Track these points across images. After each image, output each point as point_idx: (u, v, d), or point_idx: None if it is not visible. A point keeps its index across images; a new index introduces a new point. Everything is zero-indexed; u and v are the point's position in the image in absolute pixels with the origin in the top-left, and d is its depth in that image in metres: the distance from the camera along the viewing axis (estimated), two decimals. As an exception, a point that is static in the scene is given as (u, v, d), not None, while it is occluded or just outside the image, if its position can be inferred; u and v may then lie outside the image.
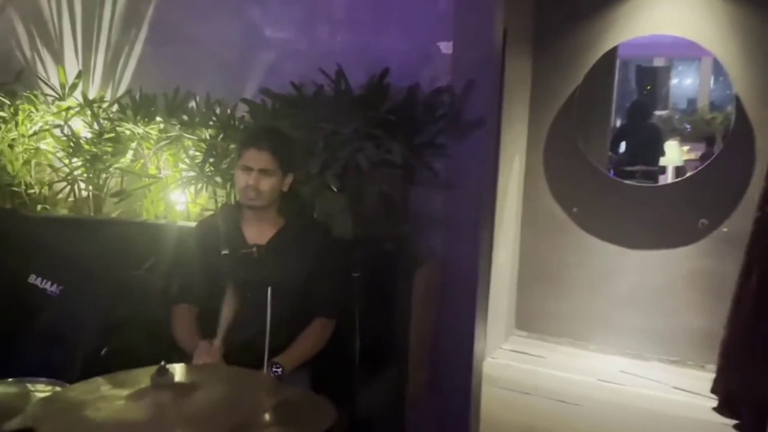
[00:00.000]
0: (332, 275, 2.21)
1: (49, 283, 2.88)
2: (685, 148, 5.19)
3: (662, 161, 4.73)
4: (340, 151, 2.57)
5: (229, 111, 3.08)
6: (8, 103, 3.42)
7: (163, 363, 1.44)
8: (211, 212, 2.74)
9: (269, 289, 1.87)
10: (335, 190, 2.57)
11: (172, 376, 1.43)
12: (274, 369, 1.99)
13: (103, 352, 2.58)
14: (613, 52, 3.21)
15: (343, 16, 3.03)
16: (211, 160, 2.93)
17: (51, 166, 3.39)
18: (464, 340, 2.96)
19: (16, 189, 3.43)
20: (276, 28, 3.16)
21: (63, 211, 3.46)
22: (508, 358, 3.18)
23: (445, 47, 2.85)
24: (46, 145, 3.39)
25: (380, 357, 2.50)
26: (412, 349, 2.58)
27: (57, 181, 3.33)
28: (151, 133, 3.17)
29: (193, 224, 2.97)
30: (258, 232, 2.20)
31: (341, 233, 2.60)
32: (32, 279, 2.88)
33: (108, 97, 3.53)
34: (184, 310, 2.16)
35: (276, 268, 2.14)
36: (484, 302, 3.04)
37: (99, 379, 1.62)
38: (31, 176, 3.43)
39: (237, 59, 3.23)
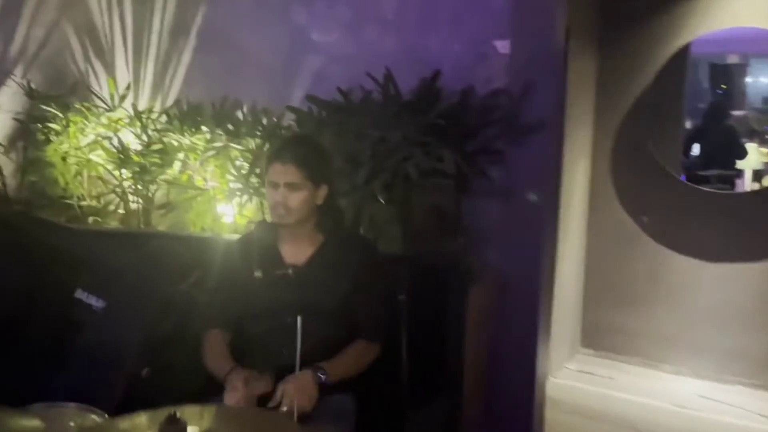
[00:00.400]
0: (376, 295, 2.00)
1: (95, 298, 2.77)
2: (765, 150, 4.76)
3: (739, 164, 4.32)
4: (388, 160, 2.37)
5: (275, 119, 2.92)
6: (60, 115, 3.36)
7: (173, 411, 1.27)
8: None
9: (299, 315, 1.69)
10: (382, 201, 2.36)
11: (184, 425, 1.25)
12: (319, 374, 1.80)
13: (144, 372, 2.45)
14: (686, 48, 2.89)
15: (392, 17, 2.83)
16: (258, 170, 2.77)
17: (101, 178, 3.31)
18: (524, 359, 2.71)
19: (68, 201, 3.37)
20: (323, 32, 2.99)
21: (114, 224, 3.37)
22: (572, 379, 2.89)
23: (502, 46, 2.62)
24: (98, 157, 3.30)
25: (431, 384, 2.27)
26: (466, 374, 2.35)
27: (106, 194, 3.24)
28: (197, 144, 3.04)
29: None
30: (296, 251, 2.01)
31: (389, 248, 2.40)
32: (79, 294, 2.79)
33: (158, 107, 3.43)
34: (215, 336, 1.99)
35: (314, 290, 1.95)
36: (547, 319, 2.78)
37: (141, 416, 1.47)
38: (83, 188, 3.36)
39: (284, 65, 3.08)
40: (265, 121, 2.92)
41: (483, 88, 2.60)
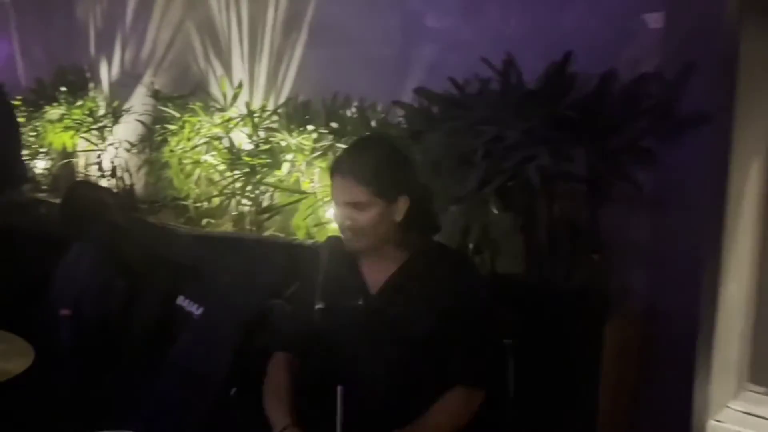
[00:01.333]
0: (476, 327, 1.53)
1: (195, 306, 2.56)
2: None
3: None
4: (506, 161, 1.90)
5: (383, 116, 2.54)
6: (177, 116, 3.21)
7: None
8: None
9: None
10: (495, 210, 1.90)
11: None
12: None
13: (232, 392, 2.16)
14: None
15: (516, -7, 2.34)
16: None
17: (210, 179, 3.12)
18: (678, 401, 2.20)
19: (183, 203, 3.22)
20: (438, 17, 2.57)
21: (226, 226, 3.18)
22: (739, 423, 2.32)
23: (654, 20, 2.07)
24: (212, 158, 3.12)
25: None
26: (601, 425, 1.82)
27: (215, 196, 3.04)
28: (305, 144, 2.74)
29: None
30: (378, 271, 1.59)
31: (506, 267, 1.92)
32: (180, 300, 2.59)
33: (271, 105, 3.18)
34: (279, 364, 1.62)
35: (392, 322, 1.52)
36: (707, 350, 2.23)
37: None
38: (198, 189, 3.19)
39: (396, 56, 2.70)
40: (372, 120, 2.54)
41: (628, 73, 2.07)
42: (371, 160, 1.51)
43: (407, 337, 1.50)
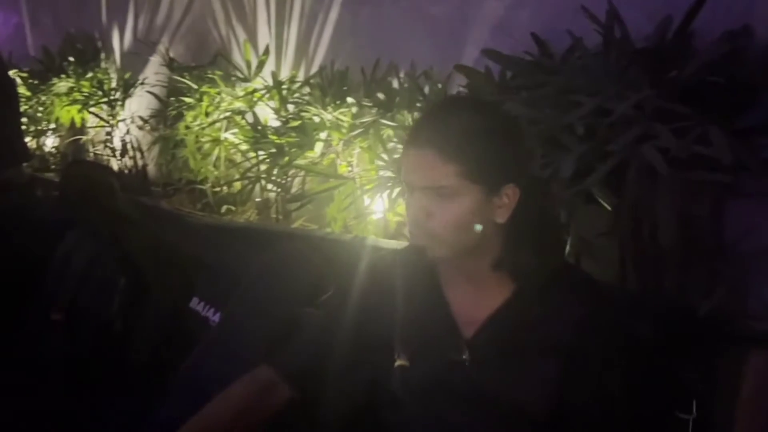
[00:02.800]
0: (621, 401, 1.02)
1: (212, 310, 2.13)
2: None
3: None
4: (612, 142, 1.43)
5: (440, 85, 2.08)
6: (195, 87, 2.77)
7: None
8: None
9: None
10: (607, 205, 1.43)
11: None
12: None
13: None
14: None
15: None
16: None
17: (231, 160, 2.68)
18: None
19: (201, 187, 2.78)
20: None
21: (248, 214, 2.74)
22: None
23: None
24: (233, 136, 2.67)
25: None
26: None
27: (237, 180, 2.60)
28: (342, 120, 2.28)
29: (390, 242, 2.03)
30: (474, 305, 1.06)
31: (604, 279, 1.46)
32: (194, 304, 2.15)
33: (301, 76, 2.72)
34: (258, 379, 1.14)
35: (493, 387, 1.02)
36: None
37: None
38: (217, 172, 2.74)
39: (454, 13, 2.20)
40: (426, 89, 2.08)
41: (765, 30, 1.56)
42: (466, 125, 0.99)
43: (515, 411, 1.00)
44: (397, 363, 0.90)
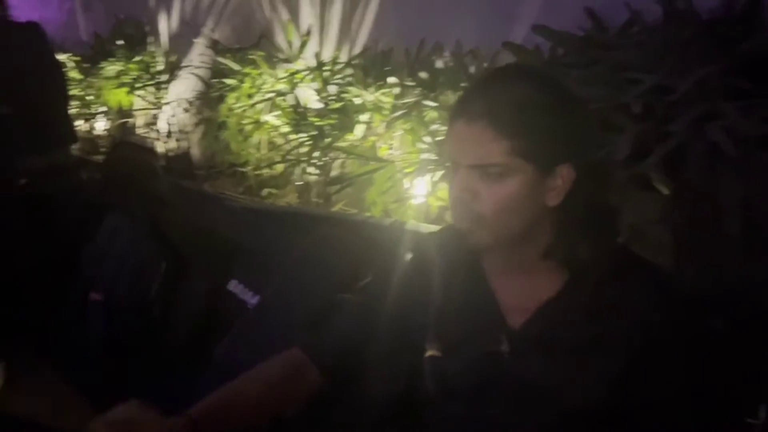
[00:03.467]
0: (686, 403, 0.92)
1: (251, 293, 2.10)
2: None
3: None
4: (673, 121, 1.32)
5: (486, 65, 1.98)
6: (238, 68, 2.73)
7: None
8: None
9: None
10: (665, 189, 1.32)
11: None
12: None
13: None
14: None
15: None
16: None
17: (273, 142, 2.64)
18: None
19: (242, 170, 2.75)
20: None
21: (290, 197, 2.70)
22: None
23: None
24: (274, 118, 2.63)
25: None
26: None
27: (278, 162, 2.56)
28: (384, 101, 2.20)
29: (431, 227, 1.96)
30: (522, 295, 0.97)
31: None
32: (232, 286, 2.13)
33: (344, 57, 2.65)
34: (290, 359, 1.08)
35: (548, 361, 0.93)
36: None
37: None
38: (258, 154, 2.71)
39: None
40: (472, 68, 1.98)
41: None
42: (520, 97, 0.88)
43: (563, 412, 0.92)
44: (428, 353, 0.82)
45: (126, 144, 3.22)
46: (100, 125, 4.20)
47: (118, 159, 2.33)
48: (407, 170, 2.14)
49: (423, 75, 2.09)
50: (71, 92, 3.44)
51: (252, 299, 2.07)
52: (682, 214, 1.45)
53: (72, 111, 3.33)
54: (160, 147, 3.56)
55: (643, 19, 1.56)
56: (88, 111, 4.07)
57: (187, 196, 2.30)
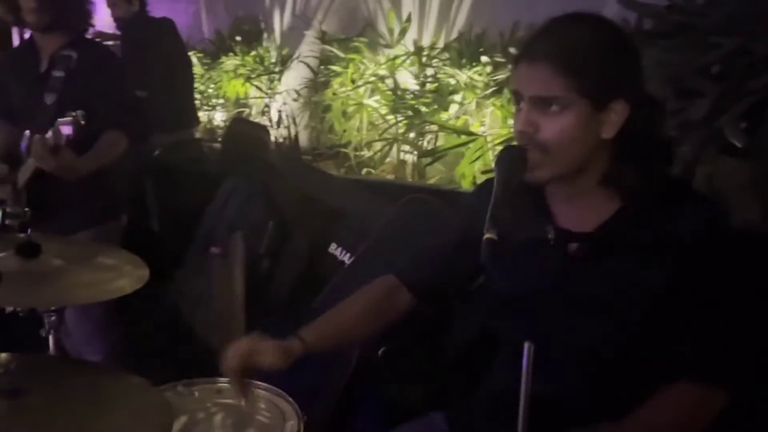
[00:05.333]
0: (726, 305, 1.00)
1: (349, 255, 2.29)
2: None
3: None
4: (752, 80, 1.36)
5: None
6: (342, 55, 2.95)
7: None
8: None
9: (527, 345, 0.79)
10: (738, 144, 1.37)
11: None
12: None
13: (380, 352, 1.85)
14: None
15: None
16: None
17: (372, 123, 2.82)
18: None
19: (345, 151, 2.97)
20: None
21: (386, 176, 2.88)
22: None
23: None
24: (375, 102, 2.82)
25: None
26: None
27: (377, 140, 2.74)
28: (476, 81, 2.34)
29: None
30: (573, 215, 1.06)
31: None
32: (332, 248, 2.33)
33: (441, 42, 2.80)
34: (375, 287, 1.23)
35: (602, 276, 1.03)
36: None
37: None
38: (359, 136, 2.92)
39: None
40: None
41: None
42: (578, 39, 0.98)
43: (619, 306, 1.01)
44: (486, 236, 0.94)
45: (242, 120, 3.53)
46: (219, 116, 4.58)
47: (234, 133, 2.60)
48: (496, 143, 2.26)
49: (513, 50, 2.20)
50: (194, 85, 3.80)
51: (349, 261, 2.26)
52: (764, 177, 1.48)
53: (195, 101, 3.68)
54: (271, 134, 3.86)
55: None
56: (207, 103, 4.45)
57: (294, 167, 2.53)
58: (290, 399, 1.24)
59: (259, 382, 1.25)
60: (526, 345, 0.75)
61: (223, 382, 1.25)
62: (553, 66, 0.96)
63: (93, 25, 2.00)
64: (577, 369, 1.05)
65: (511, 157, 1.00)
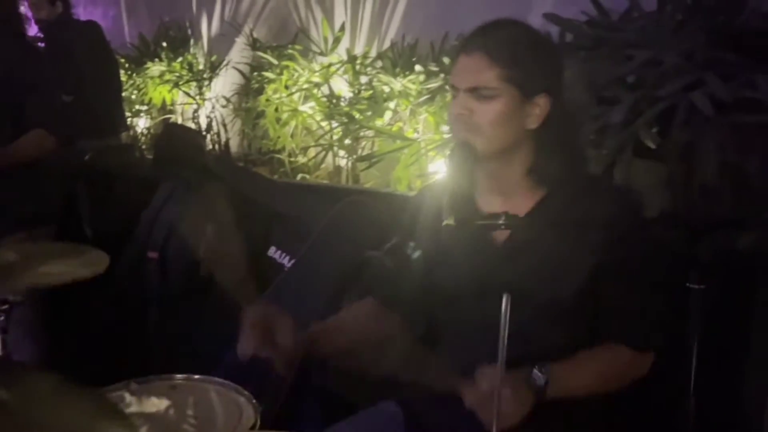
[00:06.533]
0: (644, 280, 1.15)
1: (288, 258, 2.34)
2: None
3: None
4: (662, 88, 1.53)
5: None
6: (275, 63, 3.00)
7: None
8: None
9: (505, 296, 0.90)
10: (652, 144, 1.53)
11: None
12: (536, 373, 1.08)
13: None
14: None
15: None
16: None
17: (307, 129, 2.89)
18: None
19: (279, 157, 3.01)
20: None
21: (320, 181, 2.94)
22: None
23: None
24: (309, 109, 2.88)
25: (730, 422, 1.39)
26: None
27: (313, 146, 2.80)
28: (410, 88, 2.44)
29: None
30: (502, 207, 1.16)
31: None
32: (272, 252, 2.37)
33: (374, 52, 2.90)
34: (365, 308, 1.32)
35: (534, 260, 1.15)
36: None
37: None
38: (293, 142, 2.97)
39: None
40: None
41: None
42: (511, 38, 1.13)
43: (549, 287, 1.14)
44: (445, 222, 1.04)
45: (175, 125, 3.50)
46: (142, 123, 4.48)
47: (168, 137, 2.60)
48: (429, 149, 2.38)
49: (446, 60, 2.33)
50: (119, 90, 3.72)
51: (289, 263, 2.30)
52: (675, 176, 1.66)
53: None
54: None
55: (641, 8, 1.78)
56: (131, 109, 4.35)
57: (231, 171, 2.55)
58: (245, 392, 1.28)
59: (213, 378, 1.29)
60: (504, 296, 0.84)
61: (178, 380, 1.29)
62: (488, 58, 1.09)
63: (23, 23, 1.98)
64: (515, 350, 1.16)
65: (458, 153, 1.12)
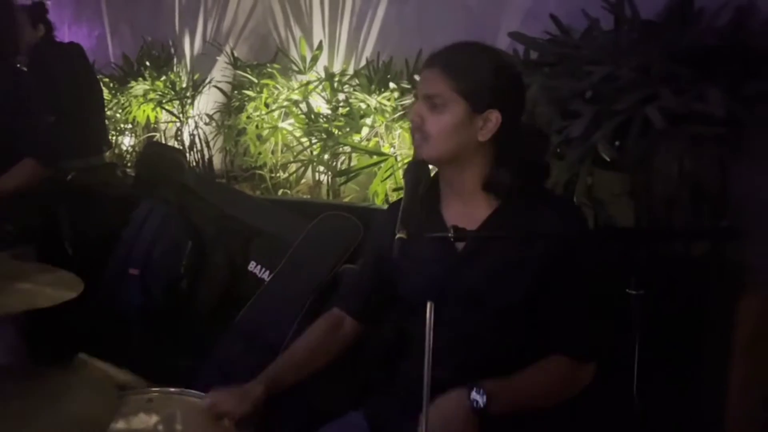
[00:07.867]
0: (586, 290, 1.22)
1: (267, 272, 2.39)
2: None
3: None
4: (618, 103, 1.60)
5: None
6: (255, 81, 3.07)
7: None
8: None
9: (429, 304, 0.95)
10: (606, 158, 1.60)
11: None
12: (474, 394, 1.13)
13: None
14: None
15: None
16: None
17: (287, 145, 2.95)
18: None
19: (261, 173, 3.06)
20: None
21: (303, 196, 3.00)
22: None
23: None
24: (289, 125, 2.95)
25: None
26: (733, 418, 1.48)
27: (292, 161, 2.87)
28: (385, 105, 2.51)
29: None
30: (462, 216, 1.23)
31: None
32: (252, 266, 2.42)
33: (351, 69, 2.98)
34: (323, 322, 1.40)
35: (485, 268, 1.22)
36: None
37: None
38: (273, 158, 3.02)
39: (488, 3, 2.41)
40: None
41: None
42: (467, 56, 1.22)
43: (498, 296, 1.20)
44: (397, 236, 1.09)
45: (155, 143, 3.55)
46: (127, 141, 4.53)
47: (149, 156, 2.65)
48: (406, 163, 2.44)
49: (417, 77, 2.40)
50: (102, 110, 3.77)
51: (269, 278, 2.35)
52: (636, 185, 1.72)
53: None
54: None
55: (600, 27, 1.86)
56: (115, 128, 4.40)
57: (210, 188, 2.60)
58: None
59: (190, 390, 1.34)
60: (429, 304, 0.90)
61: (153, 392, 1.34)
62: (443, 70, 1.18)
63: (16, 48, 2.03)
64: (467, 354, 1.22)
65: (414, 169, 1.18)
